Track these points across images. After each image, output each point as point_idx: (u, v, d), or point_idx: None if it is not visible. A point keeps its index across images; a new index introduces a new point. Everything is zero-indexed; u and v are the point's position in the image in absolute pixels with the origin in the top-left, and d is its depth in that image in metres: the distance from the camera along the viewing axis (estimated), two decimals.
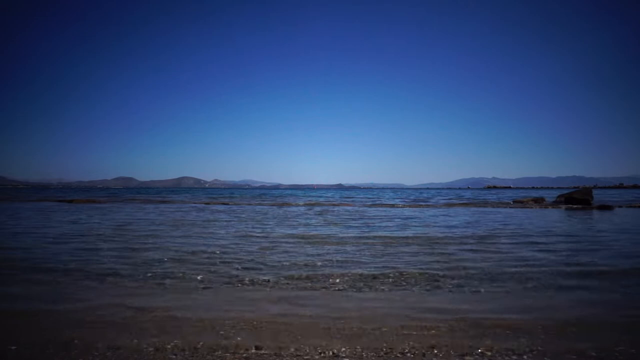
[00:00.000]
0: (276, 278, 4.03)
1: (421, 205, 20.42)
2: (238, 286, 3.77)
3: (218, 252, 5.52)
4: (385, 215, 13.02)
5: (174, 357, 2.18)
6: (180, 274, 4.22)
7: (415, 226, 9.28)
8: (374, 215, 13.06)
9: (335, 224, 9.96)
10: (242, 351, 2.25)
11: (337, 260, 4.98)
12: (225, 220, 10.81)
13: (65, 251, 5.67)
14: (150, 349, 2.27)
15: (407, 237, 7.08)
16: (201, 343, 2.35)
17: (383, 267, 4.61)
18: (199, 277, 4.07)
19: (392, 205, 20.21)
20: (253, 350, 2.26)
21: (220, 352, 2.23)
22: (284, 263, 4.78)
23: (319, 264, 4.78)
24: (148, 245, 6.13)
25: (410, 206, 19.58)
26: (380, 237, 7.22)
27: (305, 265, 4.68)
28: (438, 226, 9.28)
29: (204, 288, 3.70)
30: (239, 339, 2.44)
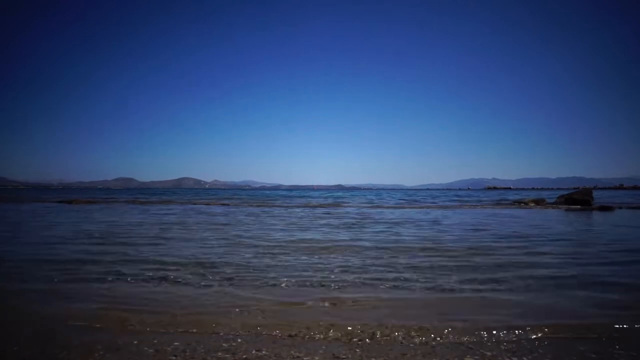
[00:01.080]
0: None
1: (425, 206, 20.42)
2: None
3: (198, 268, 4.43)
4: (393, 218, 13.01)
5: (173, 358, 2.18)
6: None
7: (430, 230, 9.18)
8: (384, 218, 13.04)
9: (342, 227, 9.73)
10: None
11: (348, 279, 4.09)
12: (220, 224, 10.60)
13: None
14: (151, 350, 2.27)
15: (430, 248, 5.97)
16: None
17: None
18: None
19: (398, 207, 20.21)
20: (253, 352, 2.26)
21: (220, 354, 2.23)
22: (278, 293, 3.53)
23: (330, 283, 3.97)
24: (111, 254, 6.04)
25: (413, 207, 19.60)
26: (397, 245, 6.32)
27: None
28: (456, 232, 8.90)
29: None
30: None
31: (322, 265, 4.69)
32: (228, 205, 21.16)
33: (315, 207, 19.60)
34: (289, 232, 8.12)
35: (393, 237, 7.31)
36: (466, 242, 6.69)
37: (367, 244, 6.48)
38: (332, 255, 5.38)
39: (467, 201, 25.40)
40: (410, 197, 35.87)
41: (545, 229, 8.96)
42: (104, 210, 15.93)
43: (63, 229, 8.62)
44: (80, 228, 8.75)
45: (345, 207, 19.70)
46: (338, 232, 8.19)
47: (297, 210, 17.02)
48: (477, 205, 20.31)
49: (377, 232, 8.31)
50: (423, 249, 5.89)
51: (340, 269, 4.53)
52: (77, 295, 3.44)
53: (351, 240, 6.97)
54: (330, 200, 26.85)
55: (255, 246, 6.14)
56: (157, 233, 7.90)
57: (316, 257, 5.29)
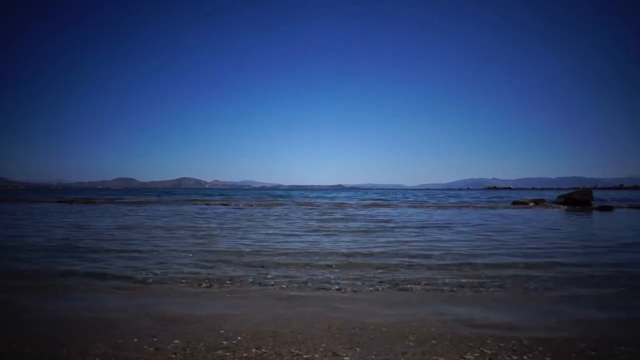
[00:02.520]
0: None
1: (430, 206, 20.38)
2: None
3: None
4: (403, 220, 12.97)
5: (173, 356, 2.17)
6: None
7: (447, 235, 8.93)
8: (395, 221, 12.99)
9: (353, 232, 8.73)
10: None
11: None
12: (208, 227, 9.41)
13: None
14: (151, 348, 2.27)
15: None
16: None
17: None
18: None
19: (407, 206, 20.17)
20: (254, 350, 2.25)
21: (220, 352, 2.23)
22: None
23: None
24: None
25: (417, 207, 19.59)
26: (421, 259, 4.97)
27: None
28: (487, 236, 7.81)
29: None
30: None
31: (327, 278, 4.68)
32: (229, 204, 21.13)
33: (315, 206, 19.55)
34: (291, 243, 6.65)
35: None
36: None
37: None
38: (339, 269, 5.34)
39: (471, 202, 25.42)
40: (414, 197, 35.82)
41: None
42: (95, 211, 15.90)
43: (58, 229, 8.62)
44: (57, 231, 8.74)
45: (347, 207, 19.66)
46: (346, 240, 8.16)
47: (296, 210, 16.96)
48: (483, 206, 20.29)
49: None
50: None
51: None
52: (76, 295, 3.45)
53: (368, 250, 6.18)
54: (333, 201, 26.81)
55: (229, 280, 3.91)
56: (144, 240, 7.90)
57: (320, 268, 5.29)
